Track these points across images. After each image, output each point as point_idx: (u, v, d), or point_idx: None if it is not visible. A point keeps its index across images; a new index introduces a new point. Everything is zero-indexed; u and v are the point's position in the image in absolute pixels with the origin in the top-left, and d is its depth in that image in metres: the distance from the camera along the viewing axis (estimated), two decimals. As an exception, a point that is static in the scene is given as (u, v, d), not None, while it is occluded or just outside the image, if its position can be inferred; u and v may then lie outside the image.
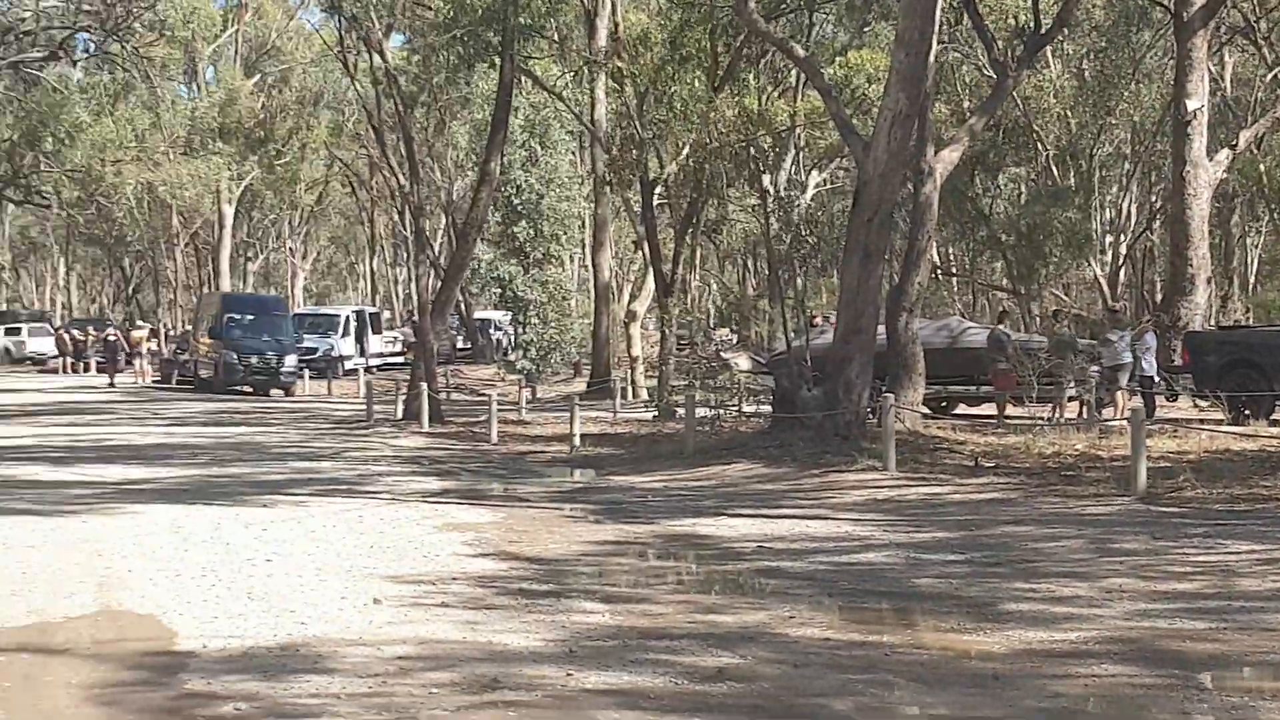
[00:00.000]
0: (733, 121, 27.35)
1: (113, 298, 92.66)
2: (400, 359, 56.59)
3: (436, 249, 55.80)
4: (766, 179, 29.98)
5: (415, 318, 40.06)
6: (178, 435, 26.89)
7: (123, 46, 38.21)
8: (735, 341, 45.22)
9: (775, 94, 33.33)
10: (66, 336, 60.49)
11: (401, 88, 35.78)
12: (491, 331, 60.03)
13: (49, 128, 39.10)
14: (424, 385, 29.82)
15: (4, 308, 78.18)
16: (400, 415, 31.02)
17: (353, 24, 34.91)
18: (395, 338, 60.50)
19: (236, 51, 63.36)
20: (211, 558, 12.34)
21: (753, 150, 27.80)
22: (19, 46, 39.46)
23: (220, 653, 8.83)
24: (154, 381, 50.16)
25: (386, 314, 69.83)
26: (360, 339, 55.05)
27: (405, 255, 73.65)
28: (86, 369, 57.39)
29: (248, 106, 58.12)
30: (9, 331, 68.13)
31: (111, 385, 46.77)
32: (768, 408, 23.32)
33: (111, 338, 50.87)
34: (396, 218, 67.91)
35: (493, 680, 8.14)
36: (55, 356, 61.83)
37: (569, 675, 8.22)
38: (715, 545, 13.28)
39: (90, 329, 63.02)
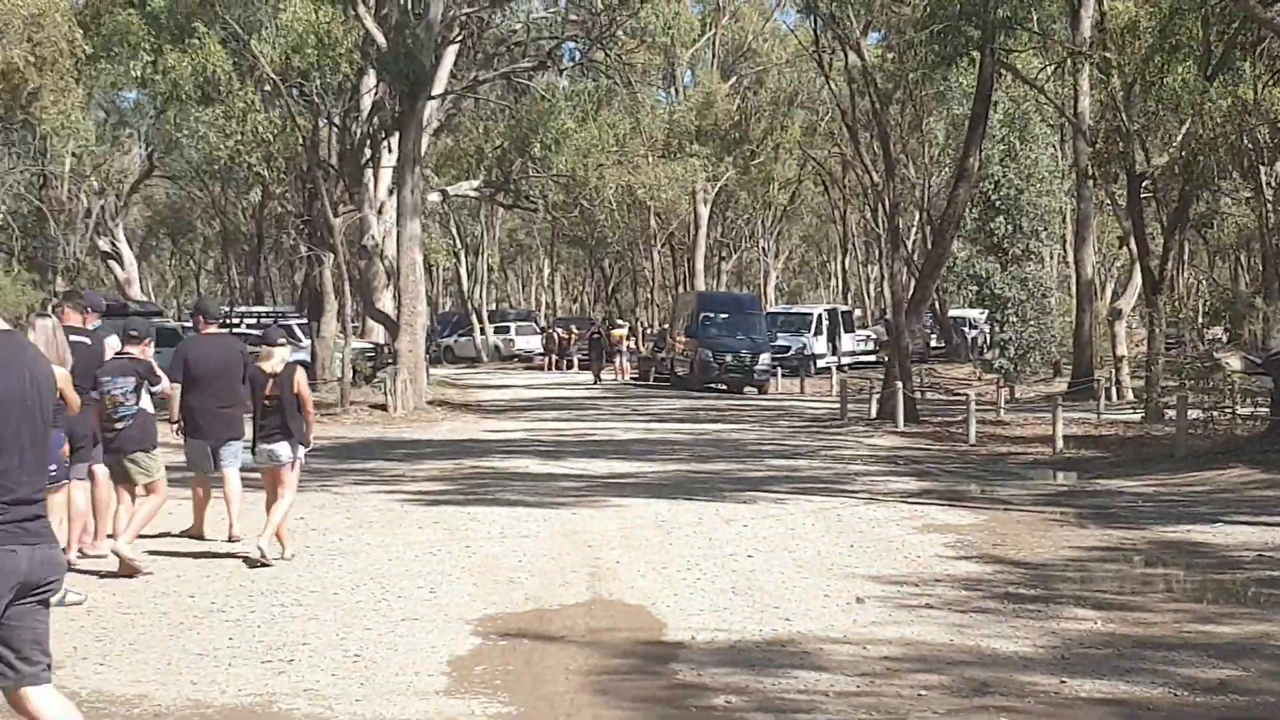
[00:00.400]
0: (1227, 112, 26.04)
1: (593, 297, 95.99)
2: (873, 357, 56.47)
3: (910, 246, 55.46)
4: (1263, 171, 28.41)
5: (888, 316, 39.81)
6: (657, 431, 27.51)
7: (606, 54, 39.41)
8: (1226, 341, 43.10)
9: (1272, 82, 31.54)
10: (554, 335, 62.99)
11: (877, 85, 35.60)
12: (966, 330, 59.17)
13: (537, 134, 40.62)
14: (899, 384, 29.59)
15: (494, 307, 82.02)
16: (874, 414, 30.87)
17: (829, 23, 35.02)
18: (868, 336, 60.42)
19: (714, 55, 64.67)
20: (695, 551, 12.54)
21: (1248, 142, 26.38)
22: (510, 57, 41.25)
23: (708, 645, 8.96)
24: (632, 378, 51.62)
25: (858, 312, 69.82)
26: (832, 337, 55.18)
27: (877, 253, 73.48)
28: (570, 366, 59.57)
29: (724, 108, 59.20)
30: (498, 330, 71.50)
31: (597, 381, 48.35)
32: (1265, 410, 22.04)
33: (597, 336, 52.63)
34: (869, 215, 67.83)
35: (982, 685, 8.00)
36: (541, 354, 64.47)
37: (1062, 682, 8.02)
38: (1210, 553, 12.64)
39: (573, 327, 65.46)
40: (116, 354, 11.82)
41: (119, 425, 11.46)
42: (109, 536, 11.75)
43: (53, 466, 10.14)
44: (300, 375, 12.11)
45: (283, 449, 11.98)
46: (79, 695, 7.70)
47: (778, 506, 15.65)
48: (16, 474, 5.15)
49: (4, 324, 5.43)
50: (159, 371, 11.90)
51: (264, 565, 11.61)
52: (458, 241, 72.60)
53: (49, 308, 11.61)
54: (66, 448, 10.48)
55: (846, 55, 35.64)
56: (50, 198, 51.97)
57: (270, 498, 12.13)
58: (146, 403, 11.63)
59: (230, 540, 12.69)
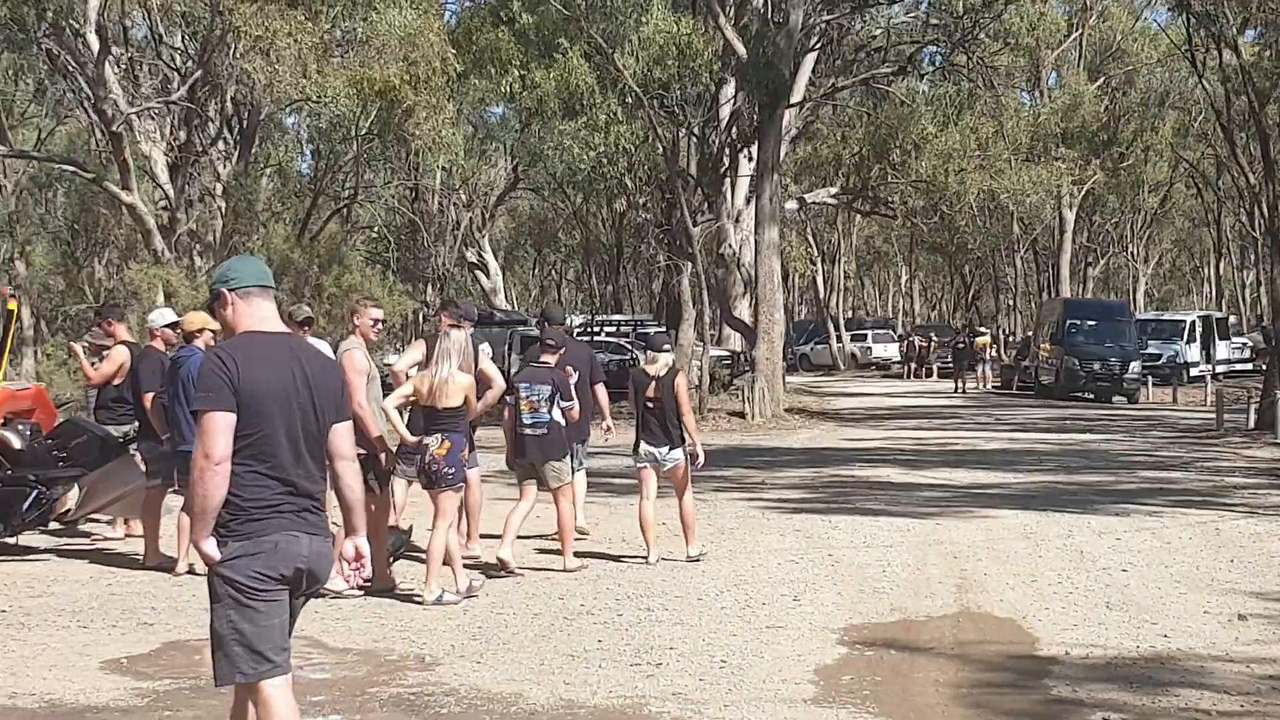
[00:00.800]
0: None
1: (952, 304, 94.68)
2: (1249, 366, 54.13)
3: (1289, 251, 52.90)
4: None
5: (1266, 323, 38.07)
6: (1021, 441, 26.88)
7: (968, 57, 38.87)
8: None
9: None
10: (914, 342, 62.33)
11: (1255, 83, 34.07)
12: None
13: (896, 140, 40.26)
14: (1278, 393, 28.23)
15: (850, 315, 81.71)
16: (1252, 424, 29.50)
17: (1203, 21, 33.71)
18: (1244, 344, 57.87)
19: (1080, 55, 62.89)
20: (1065, 564, 12.22)
21: None
22: (869, 63, 41.07)
23: (1083, 660, 8.72)
24: (994, 387, 50.71)
25: (1233, 319, 66.97)
26: (1206, 345, 53.03)
27: (1254, 258, 70.46)
28: (929, 374, 58.89)
29: (1091, 110, 57.59)
30: (855, 338, 71.22)
31: (960, 390, 47.68)
32: None
33: (961, 344, 51.89)
34: (1245, 219, 65.06)
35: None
36: (899, 362, 63.91)
37: None
38: None
39: (933, 335, 64.68)
40: (533, 363, 12.19)
41: (531, 431, 11.83)
42: (495, 538, 12.10)
43: (451, 469, 10.51)
44: (681, 380, 12.41)
45: (663, 451, 12.26)
46: (457, 691, 7.94)
47: (1152, 519, 15.09)
48: (293, 467, 5.51)
49: (282, 326, 5.79)
50: (572, 389, 12.21)
51: (700, 559, 12.24)
52: (814, 249, 72.56)
53: (444, 318, 12.04)
54: (467, 451, 10.83)
55: (1221, 53, 34.28)
56: (422, 211, 54.14)
57: (645, 499, 12.35)
58: (557, 413, 11.95)
59: (579, 535, 13.01)
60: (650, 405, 12.22)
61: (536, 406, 11.81)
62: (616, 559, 12.52)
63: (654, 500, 12.39)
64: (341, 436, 5.74)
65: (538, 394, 11.83)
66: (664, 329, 45.66)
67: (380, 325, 11.63)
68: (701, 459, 12.55)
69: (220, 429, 5.36)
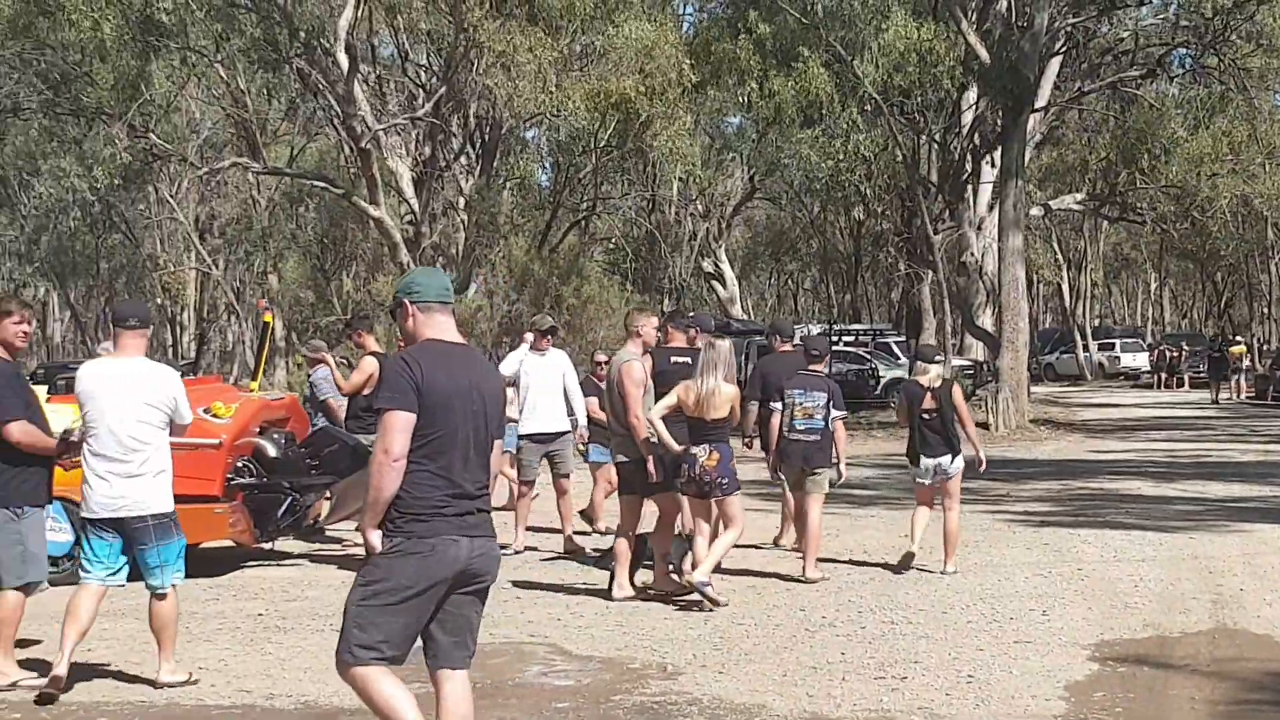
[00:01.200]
0: None
1: (1204, 313, 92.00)
2: None
3: None
4: None
5: None
6: (1277, 453, 25.96)
7: (1220, 59, 37.70)
8: None
9: None
10: (1164, 352, 60.69)
11: None
12: None
13: (1145, 144, 39.27)
14: None
15: (1097, 323, 79.86)
16: None
17: None
18: None
19: (1336, 55, 60.74)
20: (1327, 581, 11.75)
21: None
22: (1116, 66, 40.10)
23: (1349, 682, 8.36)
24: (1248, 397, 49.12)
25: None
26: None
27: None
28: (1180, 384, 57.29)
29: (1349, 111, 55.62)
30: (1102, 347, 69.54)
31: (1215, 401, 46.29)
32: None
33: (1217, 354, 50.33)
34: None
35: None
36: (1148, 372, 62.27)
37: None
38: None
39: (1183, 344, 62.91)
40: (799, 370, 12.20)
41: (803, 437, 11.90)
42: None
43: (724, 478, 10.53)
44: (958, 389, 12.48)
45: (945, 460, 12.24)
46: (700, 701, 7.93)
47: None
48: (460, 471, 5.73)
49: (459, 338, 6.02)
50: (840, 397, 12.19)
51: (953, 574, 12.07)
52: (1060, 256, 71.14)
53: (669, 329, 12.15)
54: (735, 459, 10.83)
55: None
56: (659, 221, 54.43)
57: (924, 507, 12.39)
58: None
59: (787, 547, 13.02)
60: (926, 417, 12.21)
61: (812, 413, 11.88)
62: (859, 570, 12.41)
63: (931, 511, 12.37)
64: (493, 453, 5.97)
65: (814, 400, 11.89)
66: (904, 338, 45.26)
67: (657, 333, 11.76)
68: (984, 464, 12.58)
69: (400, 427, 5.60)
